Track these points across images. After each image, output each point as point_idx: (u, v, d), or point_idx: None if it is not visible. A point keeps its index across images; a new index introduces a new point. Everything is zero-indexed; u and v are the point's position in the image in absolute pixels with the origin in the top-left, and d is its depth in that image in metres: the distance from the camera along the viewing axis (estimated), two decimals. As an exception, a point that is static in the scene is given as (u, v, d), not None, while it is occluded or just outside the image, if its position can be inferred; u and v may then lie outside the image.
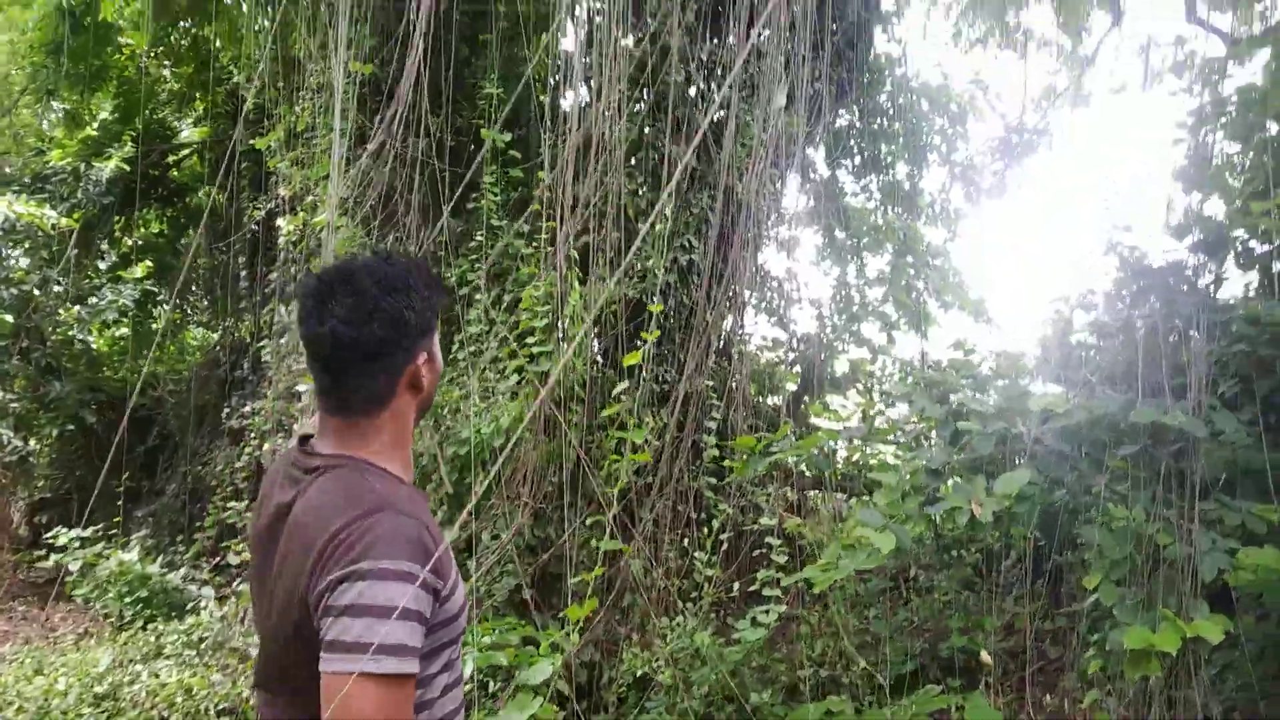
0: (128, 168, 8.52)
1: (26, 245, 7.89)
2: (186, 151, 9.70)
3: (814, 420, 8.16)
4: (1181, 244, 3.67)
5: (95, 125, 9.52)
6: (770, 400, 7.84)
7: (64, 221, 7.80)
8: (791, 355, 8.63)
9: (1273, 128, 4.37)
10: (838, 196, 9.63)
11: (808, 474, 6.70)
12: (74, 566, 6.19)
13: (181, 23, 8.65)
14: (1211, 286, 4.44)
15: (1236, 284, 4.67)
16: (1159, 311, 3.30)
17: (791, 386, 8.52)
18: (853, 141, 9.76)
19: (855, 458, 6.96)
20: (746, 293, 7.59)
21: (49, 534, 6.58)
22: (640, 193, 6.86)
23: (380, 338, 1.44)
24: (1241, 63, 6.51)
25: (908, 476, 3.43)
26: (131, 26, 7.88)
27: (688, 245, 6.94)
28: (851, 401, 8.24)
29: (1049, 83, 11.44)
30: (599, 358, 6.56)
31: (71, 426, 7.98)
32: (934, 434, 3.90)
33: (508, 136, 6.55)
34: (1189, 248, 3.55)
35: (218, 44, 8.04)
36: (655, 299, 5.83)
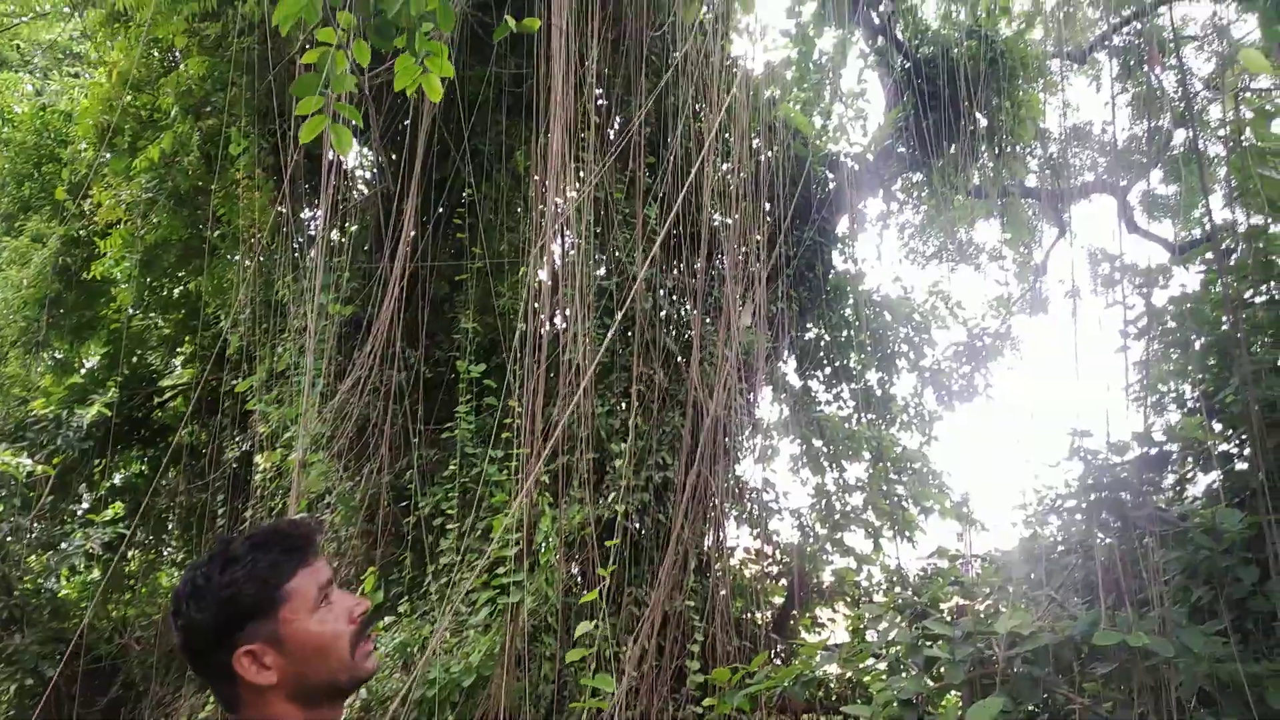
0: (109, 413, 8.69)
1: (1, 494, 7.89)
2: (171, 393, 9.94)
3: (803, 636, 7.91)
4: (1125, 457, 3.73)
5: (83, 372, 9.81)
6: (756, 615, 7.61)
7: (39, 469, 7.84)
8: (775, 568, 8.48)
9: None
10: (811, 406, 9.81)
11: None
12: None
13: (170, 277, 9.15)
14: (1173, 491, 4.47)
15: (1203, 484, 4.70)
16: (1115, 528, 3.31)
17: (777, 600, 8.31)
18: (821, 353, 10.06)
19: (849, 675, 6.68)
20: (725, 505, 7.55)
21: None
22: (613, 413, 6.98)
23: (197, 631, 1.35)
24: (1186, 268, 6.88)
25: (882, 707, 3.29)
26: (124, 281, 8.33)
27: (662, 462, 6.98)
28: (840, 614, 8.02)
29: (1006, 291, 12.03)
30: (578, 580, 6.44)
31: (31, 680, 7.63)
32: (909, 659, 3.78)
33: (482, 368, 6.75)
34: (1137, 462, 3.60)
35: (205, 295, 8.46)
36: (621, 530, 5.78)
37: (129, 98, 7.33)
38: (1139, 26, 9.02)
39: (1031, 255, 12.20)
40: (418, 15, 3.03)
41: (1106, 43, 9.54)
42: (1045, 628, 3.02)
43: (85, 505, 9.87)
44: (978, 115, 9.67)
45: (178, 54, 7.17)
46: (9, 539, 7.94)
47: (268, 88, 6.96)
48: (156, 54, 7.18)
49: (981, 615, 3.46)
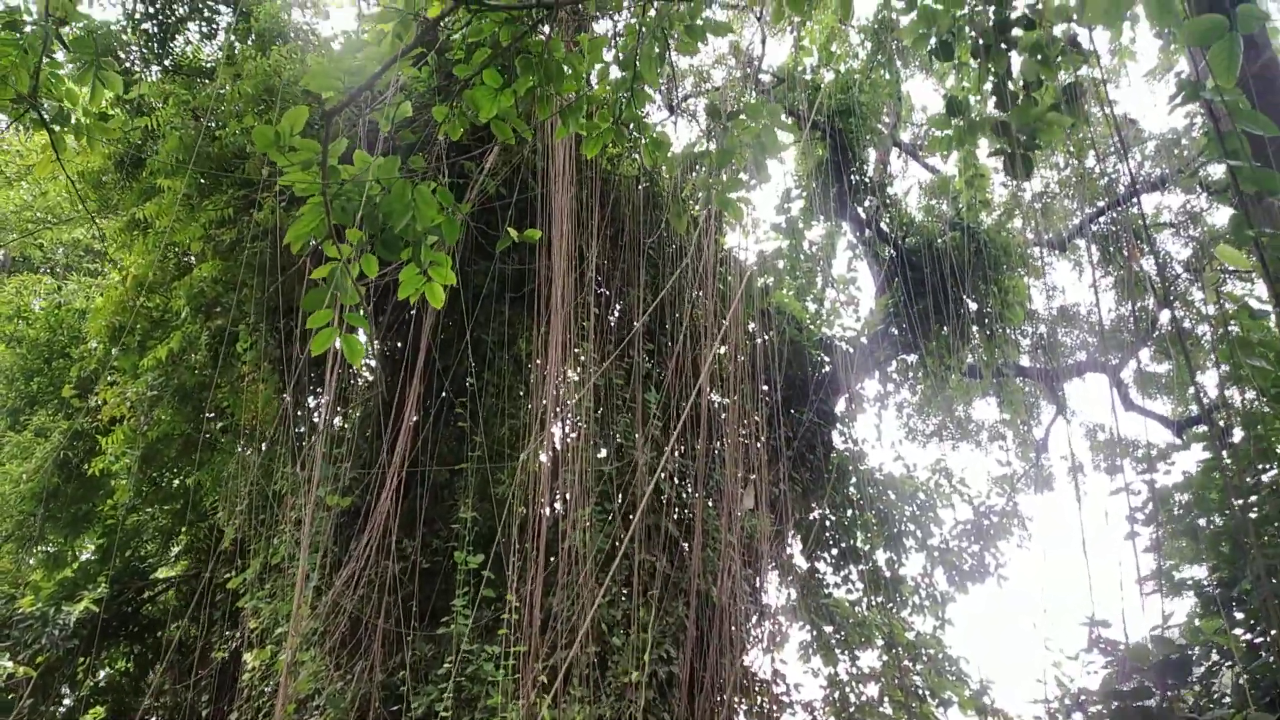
0: (97, 609, 8.47)
1: (-23, 700, 7.57)
2: (162, 587, 9.72)
3: None
4: (1148, 664, 3.59)
5: (75, 566, 9.64)
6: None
7: (20, 671, 7.55)
8: (790, 769, 8.00)
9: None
10: (819, 590, 9.55)
11: None
12: None
13: (170, 470, 9.18)
14: (1200, 685, 4.28)
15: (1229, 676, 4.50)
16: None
17: (794, 805, 7.79)
18: (827, 534, 9.91)
19: None
20: (734, 700, 7.21)
21: None
22: (614, 604, 6.78)
23: None
24: (1187, 446, 6.87)
25: None
26: (123, 476, 8.35)
27: (666, 655, 6.72)
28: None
29: (1009, 469, 11.99)
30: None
31: None
32: None
33: (480, 558, 6.62)
34: (1159, 668, 3.47)
35: (203, 488, 8.46)
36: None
37: (142, 299, 7.59)
38: (1114, 215, 9.47)
39: (1031, 432, 12.24)
40: (423, 229, 3.19)
41: (1085, 231, 9.99)
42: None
43: (67, 704, 9.42)
44: (966, 300, 9.98)
45: (192, 258, 7.49)
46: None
47: (275, 283, 7.23)
48: (171, 257, 7.51)
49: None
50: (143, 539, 10.07)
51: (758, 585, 8.02)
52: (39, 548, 9.60)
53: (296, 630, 5.64)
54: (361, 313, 3.30)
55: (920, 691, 8.66)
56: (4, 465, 8.55)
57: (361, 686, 6.45)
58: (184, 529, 9.43)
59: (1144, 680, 3.46)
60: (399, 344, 7.97)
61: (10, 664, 7.43)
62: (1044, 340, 11.47)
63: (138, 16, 7.62)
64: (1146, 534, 4.92)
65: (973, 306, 10.12)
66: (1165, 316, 9.85)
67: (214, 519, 8.56)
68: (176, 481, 9.45)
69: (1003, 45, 3.98)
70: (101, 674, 9.94)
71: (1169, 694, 3.43)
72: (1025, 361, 11.44)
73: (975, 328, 10.17)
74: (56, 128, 4.21)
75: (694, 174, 8.27)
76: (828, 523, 9.85)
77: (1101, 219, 9.87)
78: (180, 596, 9.09)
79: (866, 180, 10.30)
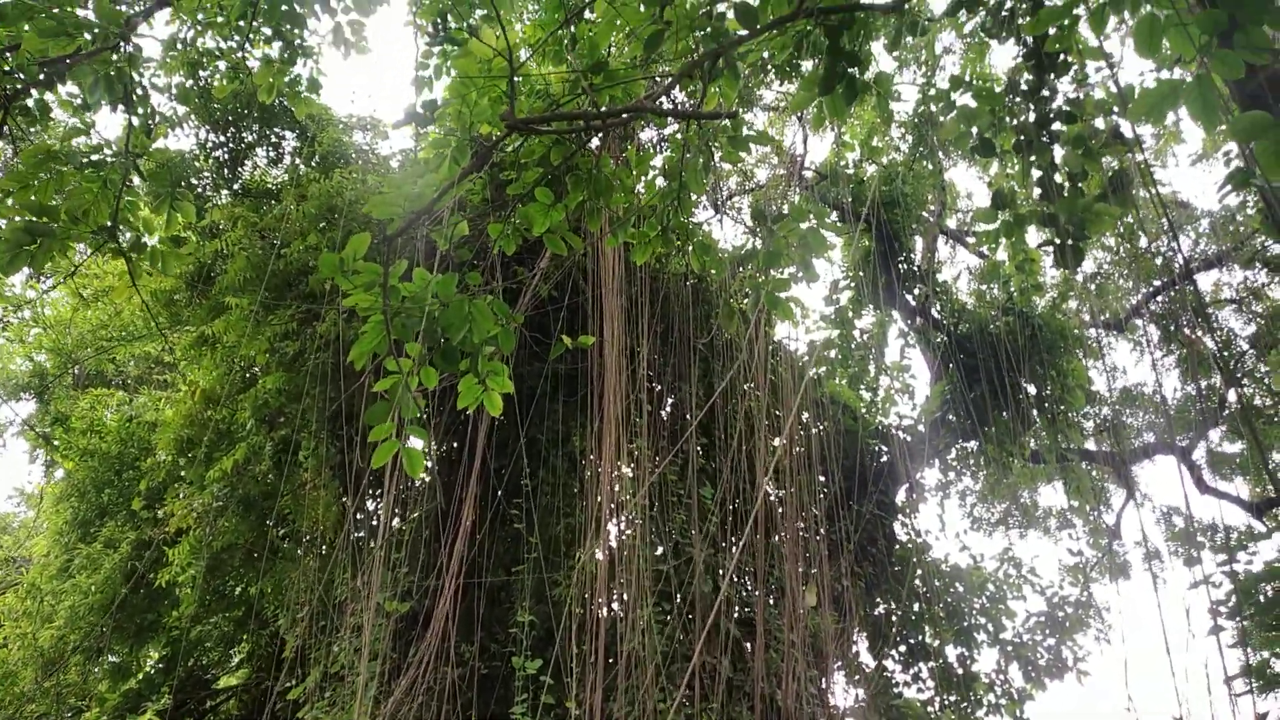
0: (160, 720, 8.52)
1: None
2: (224, 697, 9.74)
3: None
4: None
5: (139, 677, 9.71)
6: None
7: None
8: None
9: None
10: (888, 690, 9.18)
11: None
12: None
13: (233, 577, 9.32)
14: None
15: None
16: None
17: None
18: (894, 630, 9.57)
19: None
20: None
21: None
22: (679, 710, 6.59)
23: None
24: (1269, 533, 6.57)
25: None
26: (188, 588, 8.48)
27: (731, 768, 6.49)
28: None
29: (1080, 558, 11.54)
30: None
31: None
32: None
33: (538, 663, 6.53)
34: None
35: (266, 595, 8.55)
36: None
37: (210, 412, 7.84)
38: (1172, 294, 9.31)
39: (1102, 518, 11.82)
40: (480, 341, 3.28)
41: (1142, 311, 9.83)
42: None
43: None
44: (1024, 384, 9.82)
45: (257, 370, 7.74)
46: None
47: (337, 392, 7.42)
48: (238, 370, 7.79)
49: None
50: (206, 647, 10.17)
51: (824, 686, 7.75)
52: (105, 659, 9.73)
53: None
54: (421, 417, 3.37)
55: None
56: (75, 577, 8.76)
57: (423, 799, 6.33)
58: (246, 636, 9.49)
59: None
60: (455, 444, 8.07)
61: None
62: (1109, 423, 11.18)
63: (209, 145, 8.11)
64: (1231, 628, 4.70)
65: (1031, 390, 9.94)
66: (1233, 395, 9.56)
67: (275, 626, 8.61)
68: (239, 589, 9.57)
69: (1044, 139, 4.03)
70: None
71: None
72: (1091, 445, 11.14)
73: (1035, 412, 9.96)
74: (133, 255, 4.45)
75: (742, 271, 8.38)
76: (894, 618, 9.53)
77: (1159, 298, 9.72)
78: (242, 706, 9.08)
79: (915, 268, 10.31)
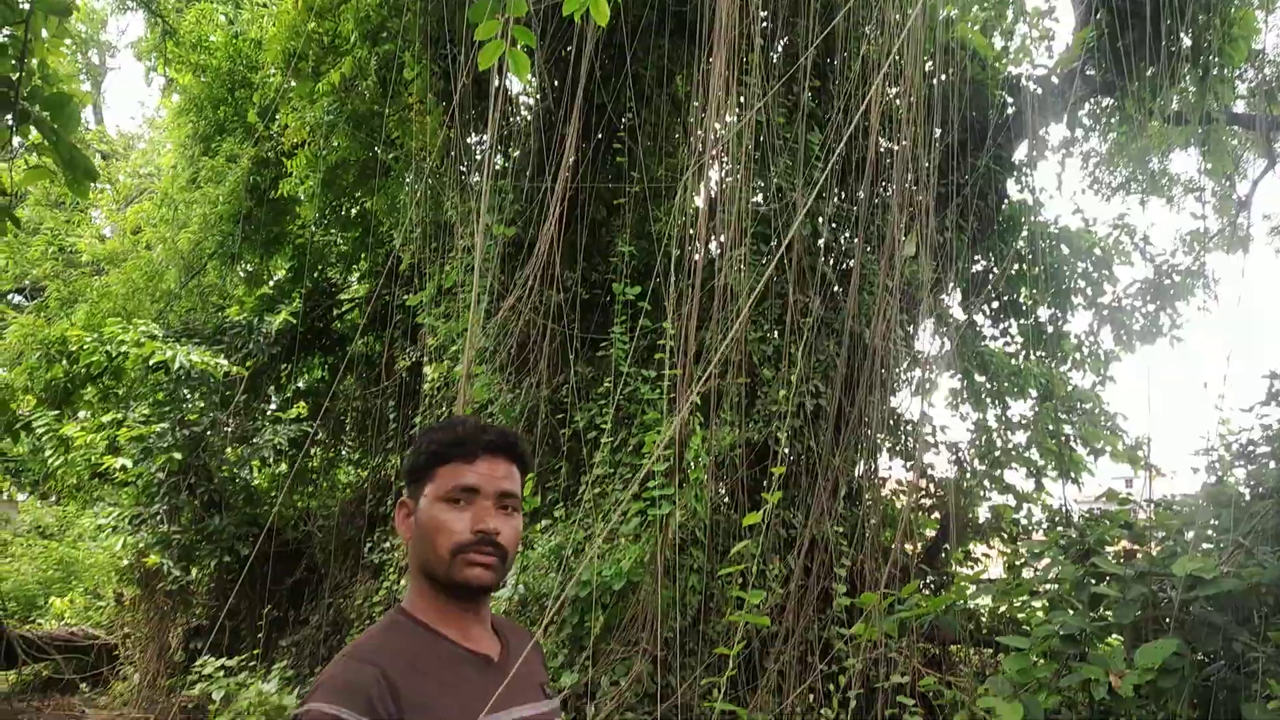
0: (295, 321, 9.43)
1: (201, 390, 8.77)
2: (348, 306, 10.65)
3: (955, 569, 7.77)
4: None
5: (271, 284, 10.61)
6: (906, 547, 7.53)
7: (234, 370, 8.63)
8: (929, 501, 8.31)
9: None
10: (975, 341, 9.41)
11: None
12: (217, 695, 6.48)
13: (348, 196, 9.76)
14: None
15: None
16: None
17: (929, 532, 8.16)
18: (990, 287, 9.59)
19: (1003, 609, 6.52)
20: (878, 436, 7.40)
21: (198, 661, 6.94)
22: (766, 339, 6.92)
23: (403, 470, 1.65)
24: None
25: (1041, 641, 3.20)
26: (307, 200, 8.91)
27: (815, 390, 6.90)
28: (995, 550, 7.81)
29: (1202, 225, 11.05)
30: (725, 499, 6.51)
31: (228, 558, 8.52)
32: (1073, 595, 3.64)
33: (637, 289, 6.83)
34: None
35: (379, 214, 8.96)
36: (778, 458, 5.75)
37: (312, 25, 7.72)
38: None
39: (1234, 188, 11.11)
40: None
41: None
42: (1230, 573, 2.85)
43: (274, 404, 10.82)
44: (1181, 34, 8.79)
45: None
46: (209, 432, 8.83)
47: (439, 14, 7.16)
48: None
49: (1155, 558, 3.29)
50: (328, 262, 10.97)
51: (912, 332, 7.97)
52: (238, 266, 10.64)
53: (471, 344, 6.10)
54: (531, 42, 3.23)
55: (1071, 441, 8.64)
56: (202, 188, 9.29)
57: (530, 399, 7.01)
58: (363, 254, 10.15)
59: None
60: (556, 82, 7.87)
61: (226, 363, 8.49)
62: (1267, 84, 10.11)
63: None
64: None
65: (1187, 43, 8.92)
66: None
67: (390, 245, 9.15)
68: (355, 211, 10.05)
69: None
70: (300, 380, 11.26)
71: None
72: (1240, 108, 10.19)
73: (1187, 67, 9.02)
74: None
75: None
76: (991, 275, 9.51)
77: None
78: (363, 315, 9.96)
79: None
